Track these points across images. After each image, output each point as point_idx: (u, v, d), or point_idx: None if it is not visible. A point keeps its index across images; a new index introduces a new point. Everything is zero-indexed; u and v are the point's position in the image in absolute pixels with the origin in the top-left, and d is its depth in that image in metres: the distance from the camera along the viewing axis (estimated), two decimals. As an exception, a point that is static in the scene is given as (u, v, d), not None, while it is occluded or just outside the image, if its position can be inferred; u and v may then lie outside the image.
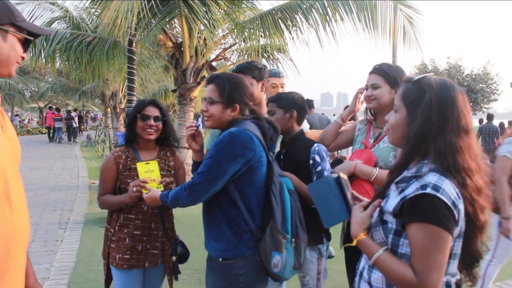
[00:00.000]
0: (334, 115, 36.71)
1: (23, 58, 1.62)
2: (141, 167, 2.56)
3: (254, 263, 2.14)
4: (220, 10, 7.16)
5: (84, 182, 10.84)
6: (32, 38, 1.65)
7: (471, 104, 32.74)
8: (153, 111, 2.69)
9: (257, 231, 2.14)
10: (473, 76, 32.17)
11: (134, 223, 2.65)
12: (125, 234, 2.64)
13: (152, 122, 2.67)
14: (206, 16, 6.89)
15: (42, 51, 8.98)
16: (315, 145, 2.69)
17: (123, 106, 18.72)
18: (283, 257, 2.13)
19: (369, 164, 2.52)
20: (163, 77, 19.92)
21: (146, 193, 2.43)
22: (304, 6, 7.65)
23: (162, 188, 2.53)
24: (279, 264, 2.12)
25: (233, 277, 2.13)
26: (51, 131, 25.65)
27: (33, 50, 9.07)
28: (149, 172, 2.56)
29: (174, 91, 9.27)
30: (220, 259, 2.16)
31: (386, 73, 2.60)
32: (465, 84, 32.35)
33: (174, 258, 2.73)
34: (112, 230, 2.68)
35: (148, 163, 2.60)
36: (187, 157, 7.77)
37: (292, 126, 2.79)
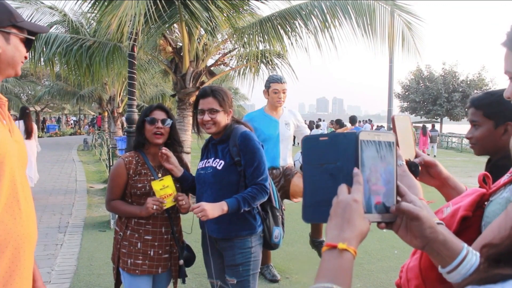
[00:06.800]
0: (328, 120, 36.80)
1: (25, 57, 1.65)
2: (156, 185, 2.59)
3: (259, 237, 2.70)
4: (222, 14, 7.18)
5: (82, 186, 10.82)
6: (33, 38, 1.67)
7: (466, 110, 33.06)
8: (160, 114, 2.74)
9: (262, 211, 2.71)
10: (468, 82, 32.44)
11: (145, 227, 2.67)
12: (136, 239, 2.66)
13: (160, 124, 2.71)
14: (210, 22, 6.92)
15: (42, 55, 8.98)
16: None
17: (120, 110, 18.71)
18: (281, 230, 2.78)
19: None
20: (160, 82, 19.94)
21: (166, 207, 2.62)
22: (303, 12, 7.69)
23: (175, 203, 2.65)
24: (279, 235, 2.75)
25: (247, 249, 2.63)
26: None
27: (33, 54, 9.07)
28: (164, 188, 2.60)
29: (173, 95, 9.27)
30: (235, 237, 2.61)
31: None
32: (460, 90, 32.56)
33: (181, 261, 2.76)
34: (121, 233, 2.70)
35: (162, 179, 2.62)
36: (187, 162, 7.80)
37: (505, 144, 1.88)
